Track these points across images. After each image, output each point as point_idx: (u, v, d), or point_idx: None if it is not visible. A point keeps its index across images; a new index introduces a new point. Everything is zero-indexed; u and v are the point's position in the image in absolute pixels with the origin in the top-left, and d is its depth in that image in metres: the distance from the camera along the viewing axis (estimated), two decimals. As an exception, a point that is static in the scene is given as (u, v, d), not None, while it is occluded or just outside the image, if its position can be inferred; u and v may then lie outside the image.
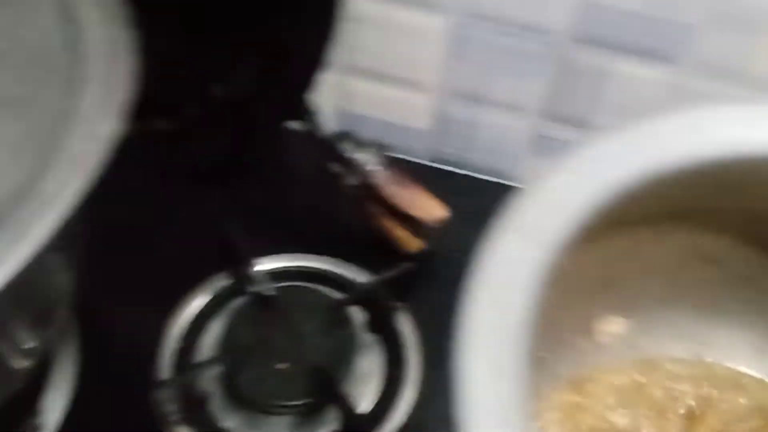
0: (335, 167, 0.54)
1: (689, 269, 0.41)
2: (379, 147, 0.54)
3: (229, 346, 0.49)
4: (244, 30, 0.50)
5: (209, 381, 0.48)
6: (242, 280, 0.52)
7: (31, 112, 0.32)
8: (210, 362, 0.49)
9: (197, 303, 0.52)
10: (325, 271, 0.55)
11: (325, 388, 0.47)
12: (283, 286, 0.52)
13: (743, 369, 0.43)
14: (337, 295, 0.53)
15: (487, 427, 0.25)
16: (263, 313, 0.51)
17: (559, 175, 0.32)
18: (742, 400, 0.41)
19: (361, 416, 0.47)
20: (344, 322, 0.51)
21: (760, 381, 0.42)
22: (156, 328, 0.51)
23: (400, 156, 0.60)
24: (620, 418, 0.41)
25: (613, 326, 0.42)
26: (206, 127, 0.56)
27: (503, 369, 0.27)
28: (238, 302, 0.52)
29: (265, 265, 0.54)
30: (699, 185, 0.34)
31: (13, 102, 0.32)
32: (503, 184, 0.63)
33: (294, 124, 0.55)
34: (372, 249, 0.55)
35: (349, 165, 0.53)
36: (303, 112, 0.54)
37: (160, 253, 0.55)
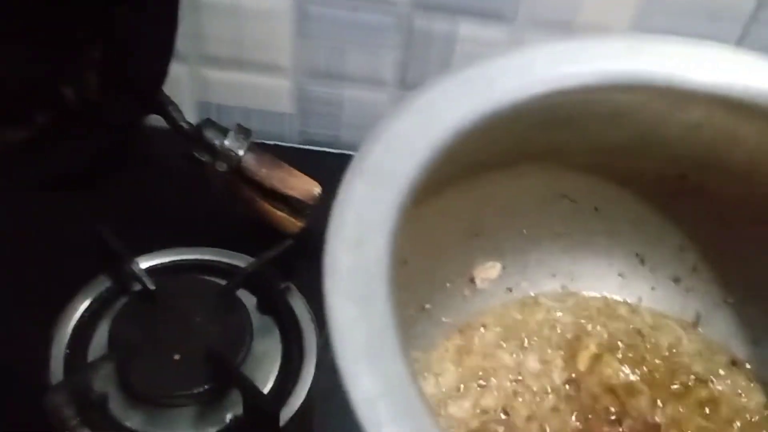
0: (203, 156, 0.53)
1: (548, 207, 0.44)
2: (245, 131, 0.54)
3: (118, 344, 0.48)
4: (85, 25, 0.49)
5: (104, 381, 0.47)
6: (123, 279, 0.52)
7: None
8: (100, 361, 0.47)
9: (81, 307, 0.51)
10: (207, 261, 0.54)
11: (224, 373, 0.48)
12: (165, 280, 0.52)
13: (613, 296, 0.46)
14: (222, 282, 0.53)
15: (357, 360, 0.25)
16: (149, 309, 0.50)
17: (400, 119, 0.32)
18: (615, 325, 0.45)
19: (264, 395, 0.47)
20: (234, 306, 0.51)
21: (629, 305, 0.46)
22: (41, 336, 0.49)
23: (268, 142, 0.61)
24: (506, 356, 0.44)
25: (489, 271, 0.45)
26: (62, 132, 0.54)
27: (369, 304, 0.27)
28: (122, 302, 0.51)
29: (145, 262, 0.53)
30: (538, 123, 0.36)
31: None
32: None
33: (157, 119, 0.54)
34: (252, 235, 0.55)
35: (217, 152, 0.53)
36: (160, 105, 0.53)
37: (37, 262, 0.54)
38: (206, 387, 0.47)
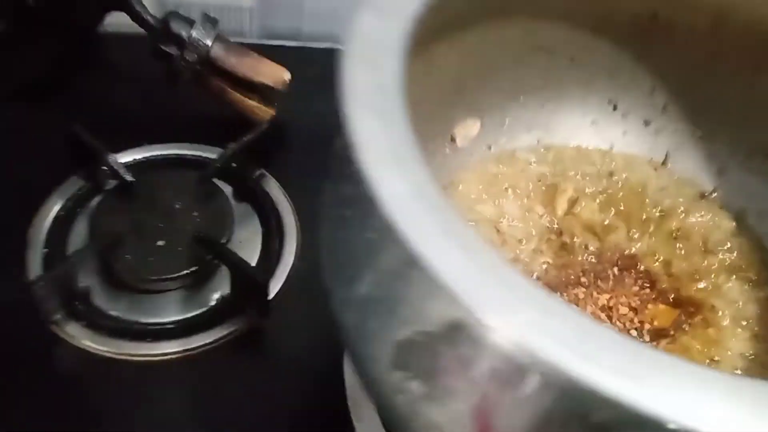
0: (171, 49, 0.53)
1: (526, 61, 0.44)
2: (211, 21, 0.53)
3: (99, 235, 0.48)
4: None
5: (87, 275, 0.47)
6: (97, 177, 0.51)
7: None
8: (81, 252, 0.47)
9: (55, 207, 0.51)
10: (181, 155, 0.54)
11: (211, 253, 0.48)
12: (142, 173, 0.51)
13: (587, 144, 0.48)
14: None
15: (384, 166, 0.26)
16: (129, 200, 0.50)
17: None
18: (589, 170, 0.46)
19: (252, 266, 0.47)
20: (214, 193, 0.51)
21: (602, 151, 0.47)
22: (17, 239, 0.49)
23: (232, 39, 0.60)
24: (486, 208, 0.44)
25: (470, 129, 0.46)
26: (23, 37, 0.53)
27: (389, 117, 0.28)
28: (97, 199, 0.51)
29: (121, 158, 0.53)
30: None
31: None
32: (339, 49, 0.64)
33: (119, 25, 0.53)
34: (224, 128, 0.55)
35: (185, 44, 0.52)
36: (123, 0, 0.52)
37: (7, 169, 0.53)
38: (192, 269, 0.47)
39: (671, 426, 0.21)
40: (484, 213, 0.45)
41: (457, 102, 0.45)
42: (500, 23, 0.42)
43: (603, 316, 0.41)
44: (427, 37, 0.36)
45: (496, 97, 0.46)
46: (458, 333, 0.25)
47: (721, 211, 0.46)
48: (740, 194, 0.46)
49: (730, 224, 0.46)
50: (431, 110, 0.44)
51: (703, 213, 0.46)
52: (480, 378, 0.27)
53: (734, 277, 0.44)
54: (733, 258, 0.44)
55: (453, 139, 0.46)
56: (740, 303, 0.43)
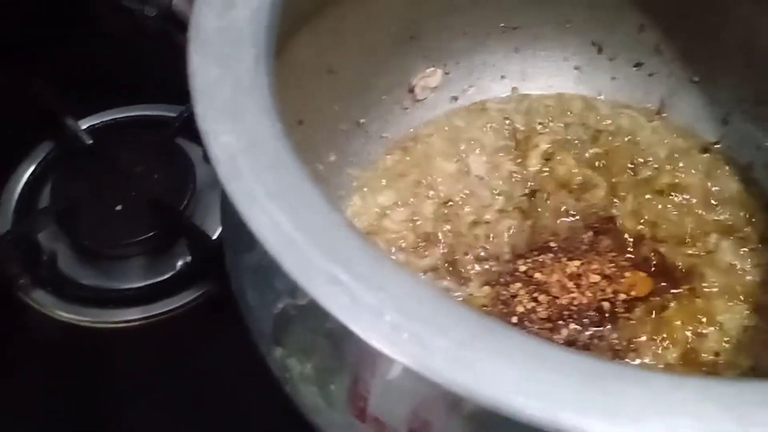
0: (132, 4, 0.50)
1: (490, -1, 0.40)
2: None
3: (57, 199, 0.46)
4: None
5: (52, 241, 0.46)
6: (65, 141, 0.49)
7: None
8: (41, 212, 0.46)
9: (26, 173, 0.49)
10: (148, 116, 0.52)
11: (171, 220, 0.46)
12: (103, 136, 0.49)
13: (568, 91, 0.42)
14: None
15: (217, 119, 0.23)
16: (89, 164, 0.48)
17: None
18: (570, 121, 0.41)
19: (207, 235, 0.45)
20: (176, 155, 0.48)
21: (586, 99, 0.42)
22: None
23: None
24: (449, 165, 0.40)
25: (429, 79, 0.41)
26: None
27: (236, 63, 0.24)
28: (63, 162, 0.49)
29: (87, 121, 0.50)
30: None
31: None
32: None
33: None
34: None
35: (144, -3, 0.50)
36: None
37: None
38: (151, 234, 0.45)
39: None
40: (446, 169, 0.40)
41: (413, 49, 0.40)
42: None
43: (571, 284, 0.36)
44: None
45: (459, 43, 0.41)
46: (315, 308, 0.22)
47: (725, 166, 0.40)
48: (747, 146, 0.40)
49: (733, 180, 0.40)
50: (383, 58, 0.40)
51: (702, 167, 0.40)
52: (350, 358, 0.24)
53: (734, 240, 0.38)
54: (733, 219, 0.39)
55: (412, 90, 0.42)
56: (738, 270, 0.38)
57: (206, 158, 0.49)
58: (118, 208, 0.46)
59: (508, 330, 0.19)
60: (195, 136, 0.49)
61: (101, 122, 0.51)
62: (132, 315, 0.44)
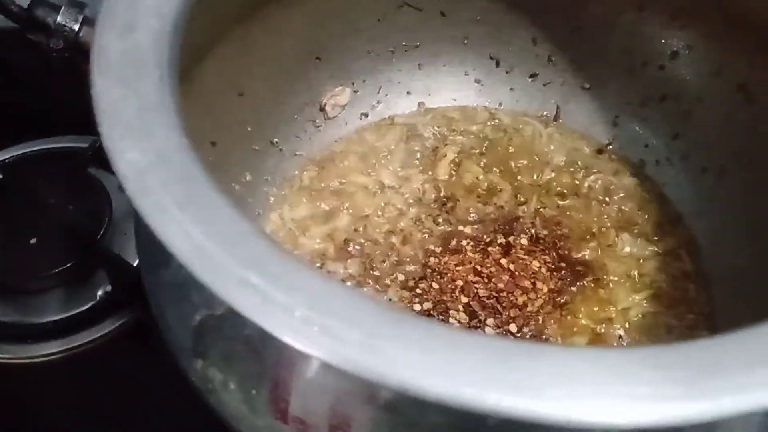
0: (38, 38, 0.50)
1: (390, 19, 0.42)
2: (77, 4, 0.50)
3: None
4: None
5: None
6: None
7: None
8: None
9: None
10: (59, 148, 0.51)
11: (88, 250, 0.45)
12: (14, 171, 0.48)
13: (471, 103, 0.45)
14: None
15: (122, 137, 0.23)
16: (2, 200, 0.47)
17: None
18: (474, 130, 0.44)
19: (126, 261, 0.45)
20: (91, 185, 0.48)
21: (488, 110, 0.44)
22: None
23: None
24: (363, 178, 0.42)
25: (339, 97, 0.43)
26: None
27: (138, 83, 0.25)
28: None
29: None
30: None
31: None
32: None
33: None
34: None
35: (51, 31, 0.50)
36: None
37: None
38: (68, 265, 0.45)
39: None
40: (360, 182, 0.42)
41: (320, 68, 0.42)
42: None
43: (481, 283, 0.38)
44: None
45: (364, 62, 0.43)
46: (231, 315, 0.22)
47: (619, 165, 0.43)
48: (637, 145, 0.43)
49: (628, 178, 0.43)
50: (291, 78, 0.42)
51: (598, 168, 0.43)
52: (269, 361, 0.25)
53: (631, 233, 0.41)
54: (629, 214, 0.41)
55: (323, 109, 0.43)
56: (638, 260, 0.40)
57: (122, 188, 0.50)
58: (33, 241, 0.45)
59: (416, 318, 0.20)
60: (109, 166, 0.49)
61: (12, 156, 0.50)
62: (52, 348, 0.43)
